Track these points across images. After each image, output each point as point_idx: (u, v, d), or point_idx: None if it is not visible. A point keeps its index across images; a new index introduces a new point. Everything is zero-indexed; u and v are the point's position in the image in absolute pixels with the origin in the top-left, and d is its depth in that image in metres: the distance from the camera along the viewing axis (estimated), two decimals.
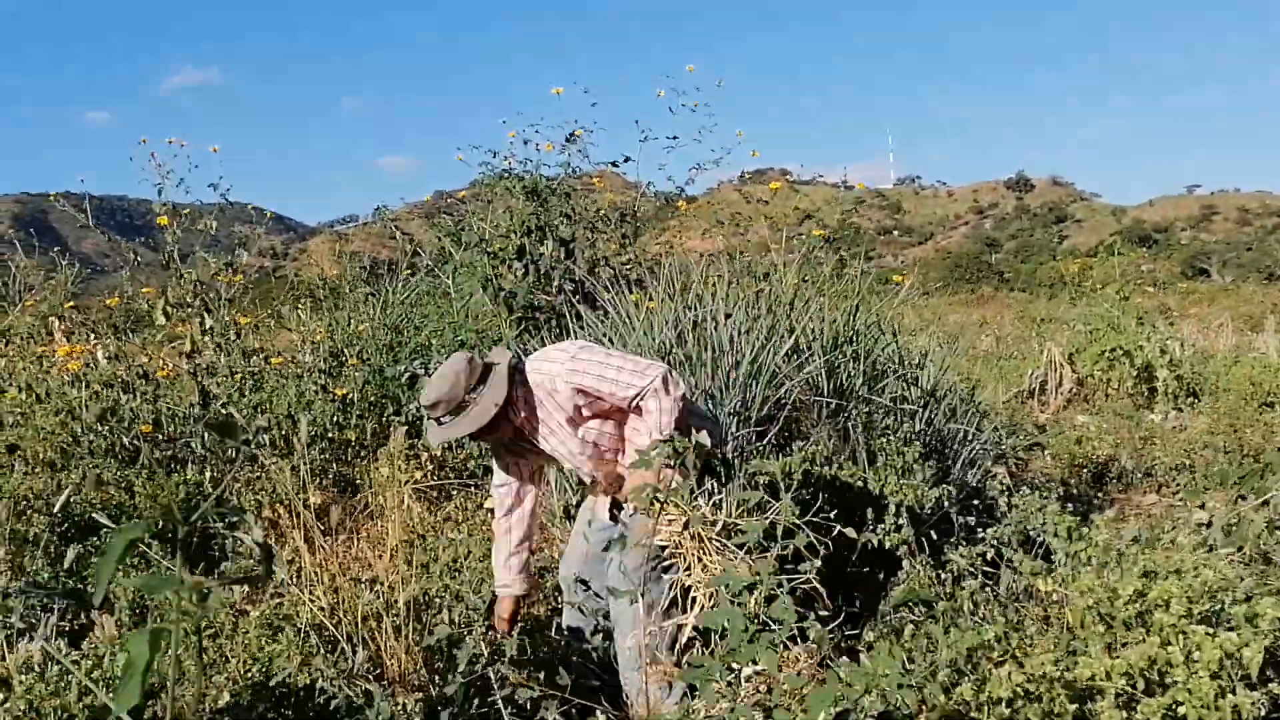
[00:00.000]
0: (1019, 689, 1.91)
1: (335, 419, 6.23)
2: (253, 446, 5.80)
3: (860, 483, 3.83)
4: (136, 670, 0.80)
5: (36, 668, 2.32)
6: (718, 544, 2.99)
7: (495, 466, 3.56)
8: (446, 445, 5.56)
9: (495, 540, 3.54)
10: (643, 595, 2.98)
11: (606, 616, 3.45)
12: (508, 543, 3.48)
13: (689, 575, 2.98)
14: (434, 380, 3.24)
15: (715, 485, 3.46)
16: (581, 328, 5.30)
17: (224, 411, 6.28)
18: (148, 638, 0.81)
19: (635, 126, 7.21)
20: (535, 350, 3.49)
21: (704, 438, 2.66)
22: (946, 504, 3.93)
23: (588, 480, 3.48)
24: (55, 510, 4.07)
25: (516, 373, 3.29)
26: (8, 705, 2.29)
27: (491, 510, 3.72)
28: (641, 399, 3.17)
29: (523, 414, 3.28)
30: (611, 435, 3.35)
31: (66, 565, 3.52)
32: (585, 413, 3.27)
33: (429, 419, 3.30)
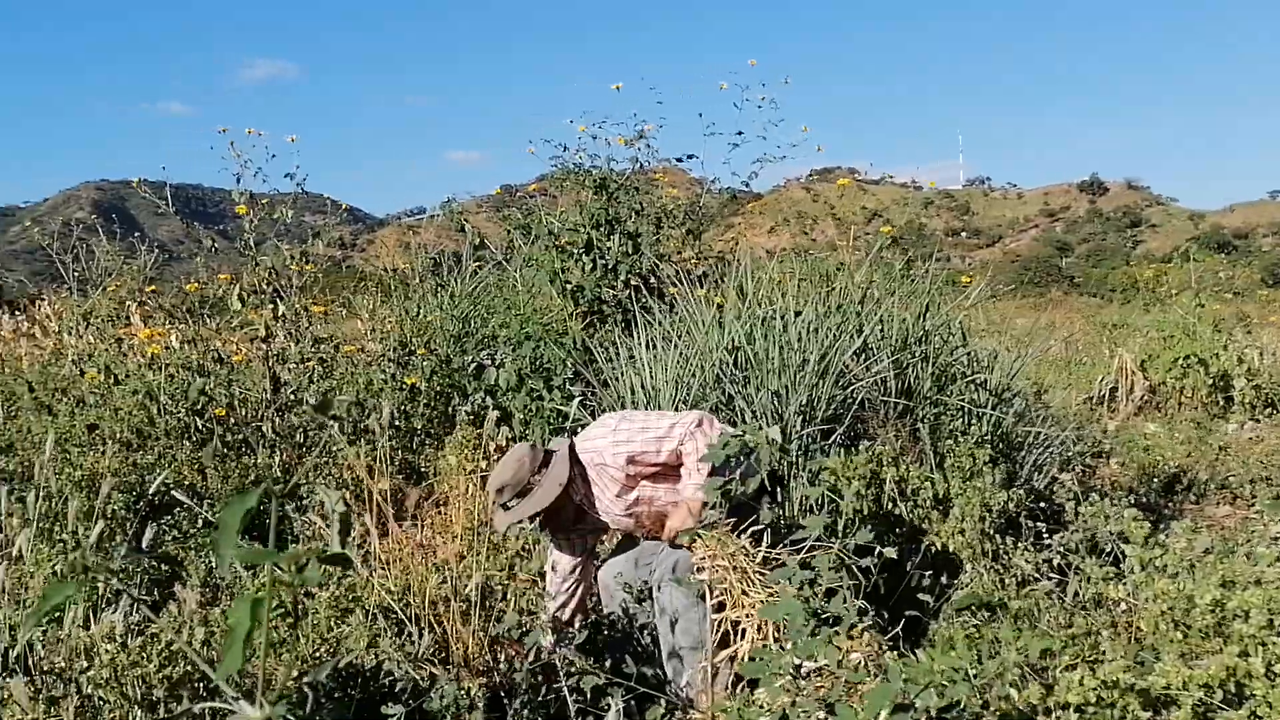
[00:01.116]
0: (1090, 695, 1.88)
1: (403, 407, 6.31)
2: (326, 431, 5.91)
3: (926, 484, 3.80)
4: (238, 637, 0.83)
5: (119, 638, 2.39)
6: (758, 575, 3.01)
7: (555, 556, 3.69)
8: (514, 437, 5.59)
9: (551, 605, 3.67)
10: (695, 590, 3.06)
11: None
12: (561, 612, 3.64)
13: (733, 608, 3.01)
14: (499, 468, 3.46)
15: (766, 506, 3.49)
16: (649, 323, 5.32)
17: (293, 397, 6.40)
18: (249, 607, 0.84)
19: (699, 121, 7.20)
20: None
21: (775, 433, 2.67)
22: (1014, 508, 3.88)
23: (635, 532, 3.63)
24: (148, 491, 4.19)
25: (573, 453, 3.49)
26: (91, 674, 2.37)
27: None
28: (682, 444, 3.33)
29: (582, 491, 3.48)
30: (663, 499, 3.48)
31: (145, 543, 3.61)
32: (640, 478, 3.44)
33: (495, 504, 3.48)
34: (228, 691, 0.88)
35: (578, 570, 3.66)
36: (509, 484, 3.37)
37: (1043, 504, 4.56)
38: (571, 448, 3.49)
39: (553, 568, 3.65)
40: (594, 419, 4.07)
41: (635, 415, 3.57)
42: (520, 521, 3.43)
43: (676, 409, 4.59)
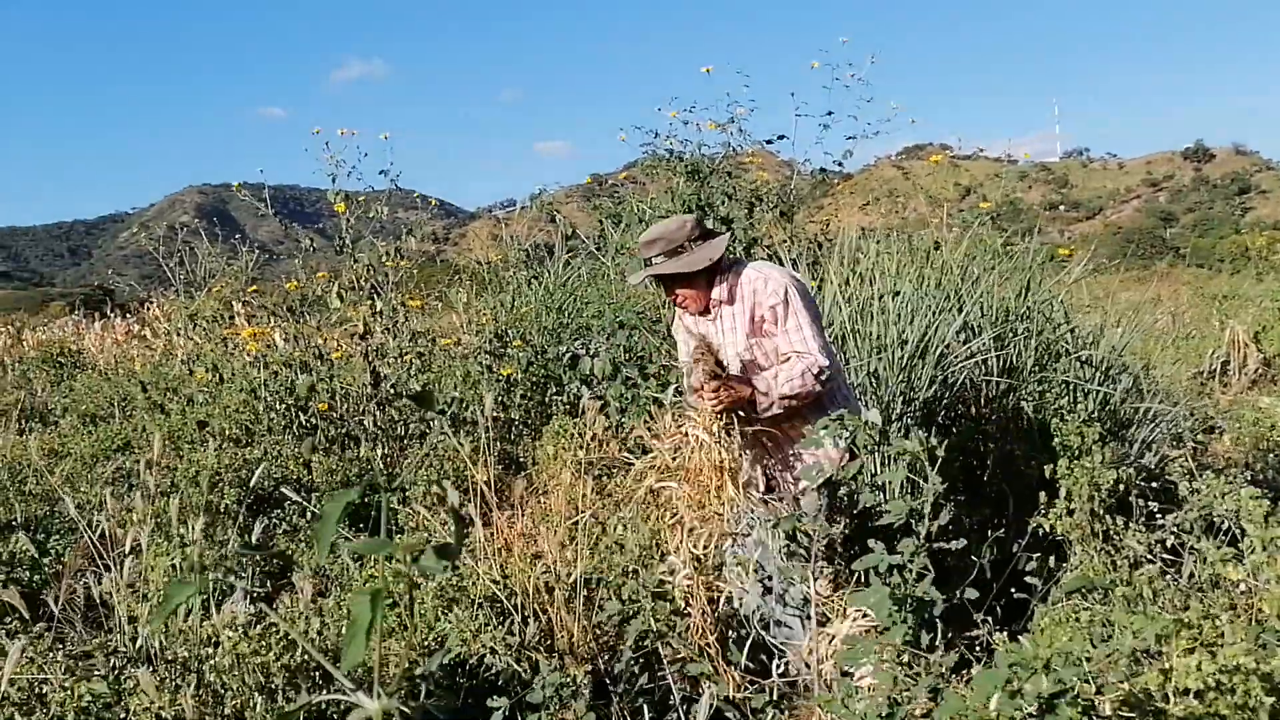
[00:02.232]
0: (1210, 680, 1.82)
1: (500, 398, 6.39)
2: (427, 423, 6.02)
3: (1030, 464, 3.72)
4: (360, 629, 0.85)
5: (240, 628, 2.47)
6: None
7: (682, 360, 3.66)
8: (610, 426, 5.62)
9: None
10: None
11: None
12: None
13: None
14: (658, 223, 3.43)
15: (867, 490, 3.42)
16: None
17: (393, 390, 6.53)
18: (370, 599, 0.86)
19: (790, 100, 7.13)
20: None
21: (875, 416, 2.63)
22: (1124, 487, 3.77)
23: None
24: (251, 484, 4.32)
25: (736, 261, 3.48)
26: (214, 661, 2.45)
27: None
28: (791, 359, 3.28)
29: (725, 291, 3.41)
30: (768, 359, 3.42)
31: (254, 537, 3.73)
32: (760, 331, 3.38)
33: (640, 259, 3.48)
34: (345, 683, 0.90)
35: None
36: (663, 238, 3.35)
37: (1154, 483, 4.43)
38: (738, 259, 3.47)
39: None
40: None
41: (804, 299, 3.40)
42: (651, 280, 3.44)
43: None
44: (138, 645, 3.01)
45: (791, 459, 3.41)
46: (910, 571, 2.40)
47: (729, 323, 3.44)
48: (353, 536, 3.87)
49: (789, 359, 3.29)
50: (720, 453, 3.07)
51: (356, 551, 0.84)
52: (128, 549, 3.28)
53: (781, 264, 5.62)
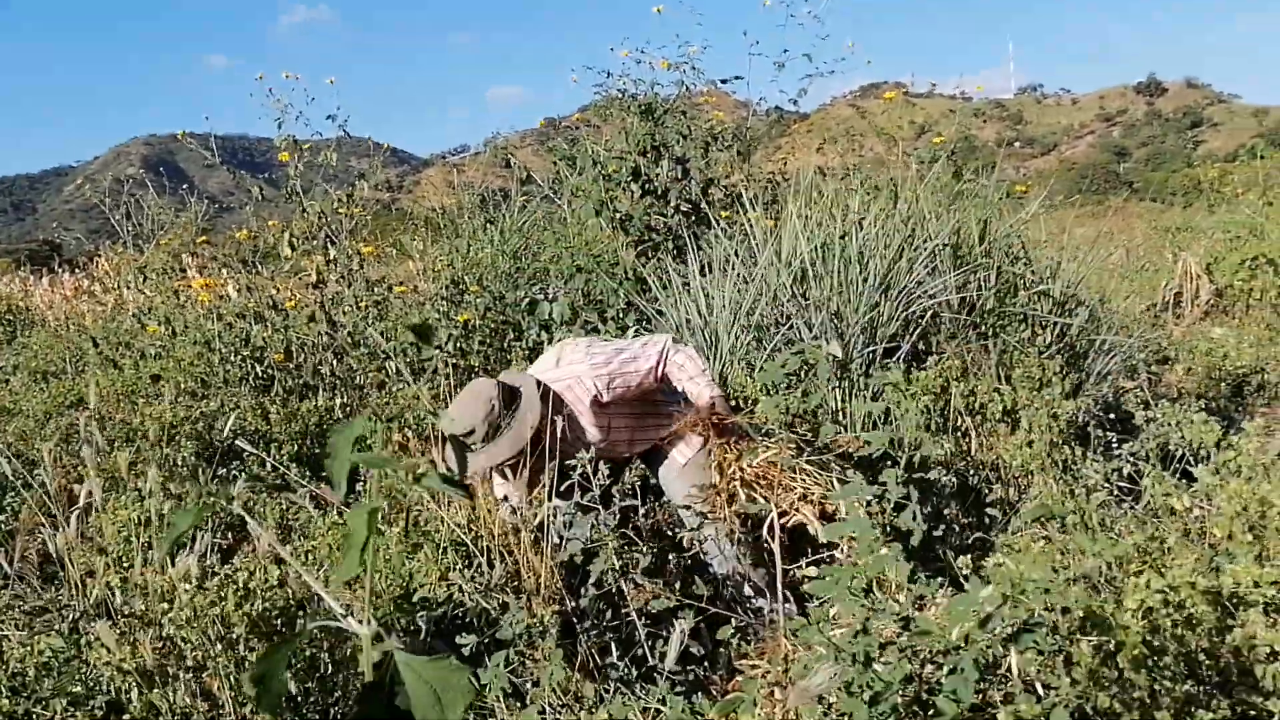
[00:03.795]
0: (1156, 599, 1.85)
1: (459, 345, 6.34)
2: (386, 372, 5.96)
3: (995, 396, 3.74)
4: (355, 544, 0.85)
5: (194, 580, 2.44)
6: (816, 465, 2.97)
7: (502, 491, 3.43)
8: None
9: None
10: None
11: None
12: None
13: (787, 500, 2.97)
14: (463, 408, 3.15)
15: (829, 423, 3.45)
16: (700, 248, 5.26)
17: (350, 339, 6.46)
18: (365, 514, 0.85)
19: (743, 41, 7.05)
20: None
21: (835, 348, 2.63)
22: (1083, 417, 3.81)
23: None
24: (222, 434, 4.27)
25: (543, 389, 3.26)
26: (171, 615, 2.42)
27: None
28: (664, 362, 3.31)
29: (562, 423, 3.20)
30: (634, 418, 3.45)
31: (211, 488, 3.69)
32: (614, 402, 3.33)
33: (455, 444, 3.09)
34: (335, 607, 0.89)
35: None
36: (476, 430, 3.10)
37: (1111, 414, 4.49)
38: (537, 382, 3.28)
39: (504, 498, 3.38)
40: None
41: (598, 341, 3.42)
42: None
43: (733, 335, 4.56)
44: (93, 599, 2.98)
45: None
46: (889, 501, 2.41)
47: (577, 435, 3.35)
48: (313, 485, 3.83)
49: (666, 375, 3.36)
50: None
51: (365, 464, 0.82)
52: (81, 504, 3.23)
53: (739, 204, 5.60)
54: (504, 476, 3.37)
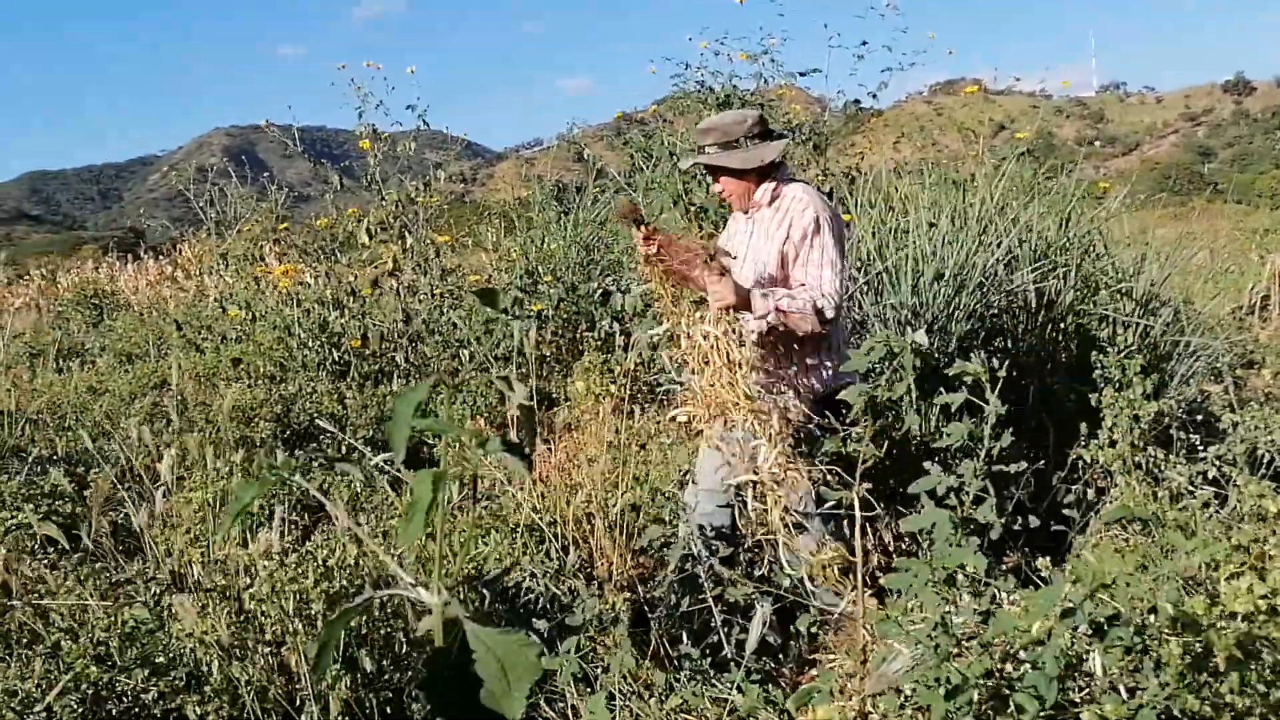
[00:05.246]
0: (1260, 603, 1.79)
1: (534, 336, 6.38)
2: (460, 359, 6.02)
3: (1070, 397, 3.67)
4: (420, 508, 0.85)
5: (276, 556, 2.49)
6: None
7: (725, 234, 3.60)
8: (642, 359, 5.59)
9: None
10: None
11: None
12: None
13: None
14: (720, 114, 3.36)
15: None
16: None
17: (425, 327, 6.54)
18: (430, 478, 0.85)
19: (823, 33, 6.97)
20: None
21: (921, 336, 2.59)
22: (1166, 419, 3.72)
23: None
24: (299, 418, 4.35)
25: (788, 172, 3.40)
26: (252, 590, 2.47)
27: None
28: (806, 288, 3.16)
29: (767, 195, 3.32)
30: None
31: (294, 469, 3.74)
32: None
33: (695, 145, 3.38)
34: (404, 576, 0.90)
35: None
36: (718, 129, 3.27)
37: (1195, 416, 4.38)
38: (792, 174, 3.40)
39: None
40: None
41: (832, 235, 3.26)
42: (698, 166, 3.39)
43: None
44: (172, 574, 3.05)
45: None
46: (967, 494, 2.38)
47: (761, 227, 3.33)
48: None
49: (803, 285, 3.20)
50: (732, 348, 3.00)
51: (426, 429, 0.83)
52: (162, 480, 3.31)
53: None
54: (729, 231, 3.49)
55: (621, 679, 2.48)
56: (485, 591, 2.66)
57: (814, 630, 2.62)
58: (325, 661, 0.91)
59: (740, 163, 3.23)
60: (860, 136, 9.62)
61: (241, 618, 2.62)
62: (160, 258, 14.46)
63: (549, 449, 4.43)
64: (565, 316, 6.63)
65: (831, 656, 2.37)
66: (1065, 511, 3.66)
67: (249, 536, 2.76)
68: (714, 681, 2.46)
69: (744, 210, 3.40)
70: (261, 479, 0.95)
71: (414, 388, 0.88)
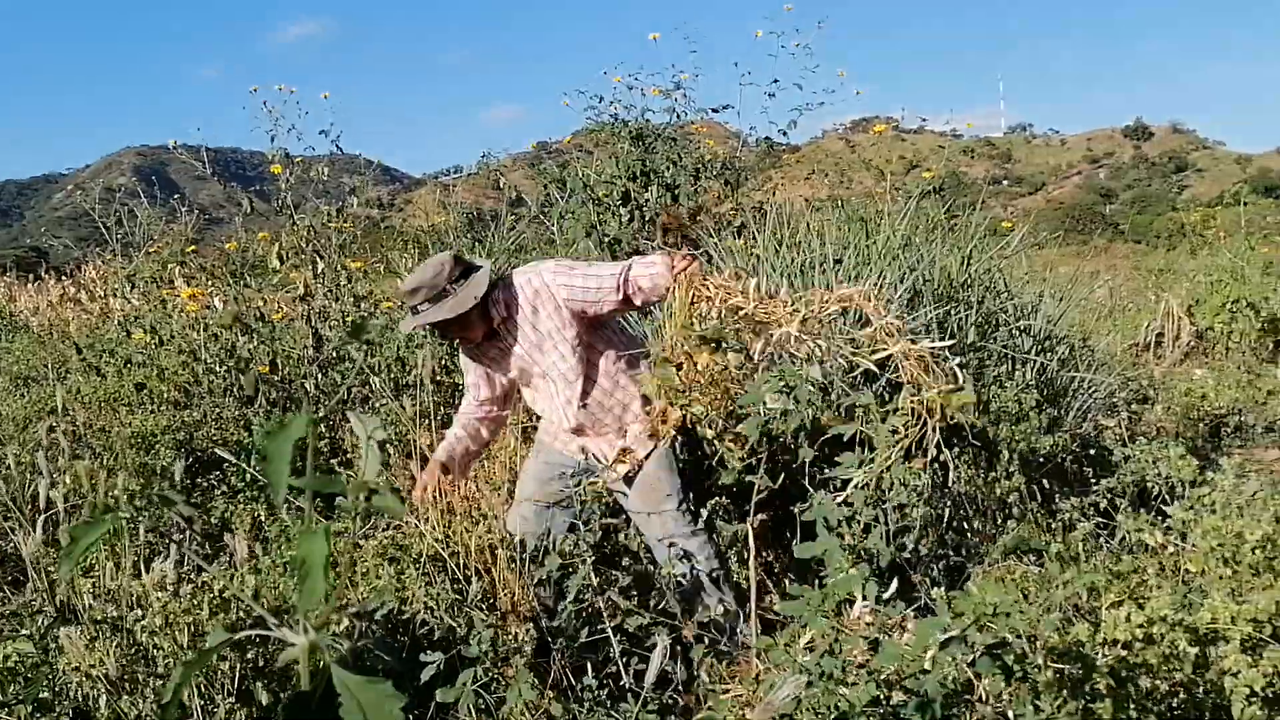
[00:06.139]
0: (1137, 631, 1.87)
1: (444, 362, 6.34)
2: (371, 387, 5.95)
3: (971, 429, 3.76)
4: (316, 565, 0.83)
5: (169, 586, 2.44)
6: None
7: (470, 382, 3.72)
8: None
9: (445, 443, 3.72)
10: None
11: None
12: (460, 449, 3.69)
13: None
14: (417, 270, 3.37)
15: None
16: None
17: (335, 354, 6.46)
18: (322, 533, 0.84)
19: (735, 71, 7.10)
20: None
21: (815, 371, 2.65)
22: (1059, 452, 3.84)
23: (573, 421, 3.46)
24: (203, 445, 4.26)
25: (500, 278, 3.43)
26: (144, 621, 2.42)
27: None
28: (627, 281, 3.26)
29: (502, 314, 3.38)
30: (608, 371, 3.43)
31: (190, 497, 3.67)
32: (577, 330, 3.36)
33: (406, 308, 3.42)
34: (268, 617, 0.88)
35: (491, 412, 3.76)
36: (424, 286, 3.29)
37: (1089, 450, 4.52)
38: (503, 275, 3.43)
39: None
40: None
41: (578, 262, 3.48)
42: (424, 328, 3.39)
43: None
44: (61, 604, 2.96)
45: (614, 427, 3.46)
46: (858, 523, 2.43)
47: (526, 332, 3.39)
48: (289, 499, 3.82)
49: (628, 297, 3.31)
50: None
51: (311, 489, 0.81)
52: (43, 507, 3.21)
53: (725, 230, 5.63)
54: (477, 380, 3.64)
55: (521, 710, 2.47)
56: (374, 625, 2.63)
57: (710, 659, 2.65)
58: (171, 712, 0.89)
59: (456, 308, 3.26)
60: (776, 172, 9.78)
61: (133, 650, 2.56)
62: (63, 279, 14.05)
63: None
64: None
65: (726, 686, 2.39)
66: (964, 540, 3.75)
67: (143, 567, 2.69)
68: (611, 713, 2.46)
69: (491, 336, 3.47)
70: (100, 520, 0.93)
71: (290, 420, 0.87)
